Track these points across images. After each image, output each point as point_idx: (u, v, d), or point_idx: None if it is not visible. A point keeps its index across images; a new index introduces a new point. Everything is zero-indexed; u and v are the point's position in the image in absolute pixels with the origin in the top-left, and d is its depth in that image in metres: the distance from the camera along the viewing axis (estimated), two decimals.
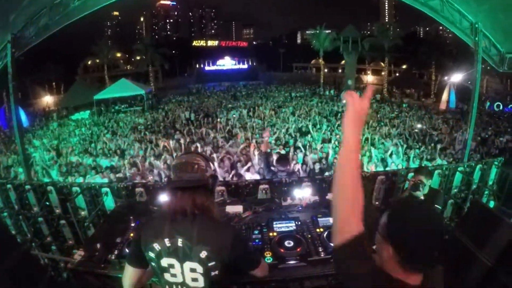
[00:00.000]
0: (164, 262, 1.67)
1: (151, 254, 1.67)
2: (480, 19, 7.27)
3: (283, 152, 9.13)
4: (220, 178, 6.93)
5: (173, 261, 1.66)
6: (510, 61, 7.88)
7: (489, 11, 6.97)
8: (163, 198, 3.15)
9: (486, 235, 2.39)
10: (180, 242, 1.63)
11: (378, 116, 17.53)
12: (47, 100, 32.64)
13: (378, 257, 1.23)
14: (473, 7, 7.25)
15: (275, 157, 5.86)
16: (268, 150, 5.39)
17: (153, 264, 1.71)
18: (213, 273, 1.64)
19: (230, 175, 7.17)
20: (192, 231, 1.62)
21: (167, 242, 1.64)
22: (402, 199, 1.14)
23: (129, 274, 1.81)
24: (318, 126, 13.40)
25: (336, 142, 10.47)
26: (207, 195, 1.72)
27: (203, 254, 1.61)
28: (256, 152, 8.53)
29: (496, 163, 5.90)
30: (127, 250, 2.46)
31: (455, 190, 5.63)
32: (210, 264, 1.62)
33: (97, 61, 39.98)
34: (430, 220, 1.19)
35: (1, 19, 6.13)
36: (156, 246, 1.65)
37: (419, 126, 14.37)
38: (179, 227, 1.64)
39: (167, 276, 1.70)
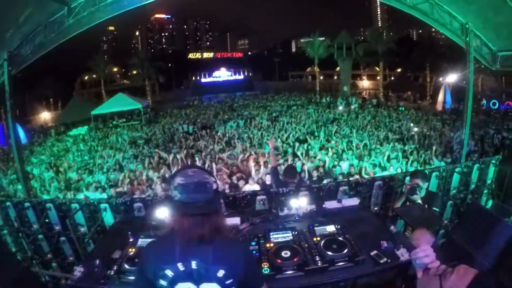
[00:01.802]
0: (180, 287, 1.59)
1: (163, 282, 1.57)
2: (470, 19, 7.37)
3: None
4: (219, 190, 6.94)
5: (189, 285, 1.59)
6: (502, 59, 7.97)
7: (479, 11, 7.06)
8: (161, 213, 3.13)
9: (484, 236, 2.40)
10: (194, 264, 1.56)
11: (375, 120, 17.60)
12: (45, 116, 32.65)
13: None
14: (462, 7, 7.36)
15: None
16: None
17: None
18: None
19: (228, 187, 7.19)
20: (207, 252, 1.57)
21: (180, 266, 1.56)
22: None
23: None
24: (315, 134, 13.45)
25: (333, 149, 10.52)
26: (222, 215, 1.71)
27: (221, 273, 1.57)
28: (253, 164, 8.56)
29: (493, 161, 5.92)
30: (126, 266, 2.45)
31: (454, 191, 5.65)
32: (228, 282, 1.58)
33: (94, 76, 40.18)
34: None
35: None
36: (169, 273, 1.56)
37: (416, 129, 14.42)
38: (193, 250, 1.57)
39: None
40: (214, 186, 1.64)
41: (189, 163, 9.48)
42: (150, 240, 2.41)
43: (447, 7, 7.48)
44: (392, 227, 3.10)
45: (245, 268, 1.63)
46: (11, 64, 6.56)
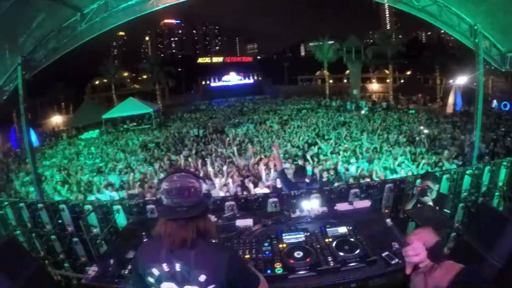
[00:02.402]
0: (164, 286, 1.66)
1: (151, 279, 1.66)
2: (478, 20, 7.31)
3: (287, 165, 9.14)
4: (231, 193, 6.99)
5: (172, 285, 1.65)
6: None
7: (487, 12, 7.01)
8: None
9: (495, 237, 2.38)
10: (178, 267, 1.62)
11: (386, 124, 17.49)
12: (56, 120, 33.15)
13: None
14: (471, 9, 7.31)
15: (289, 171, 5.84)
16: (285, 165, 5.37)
17: None
18: None
19: (240, 190, 7.20)
20: (189, 256, 1.61)
21: (165, 267, 1.63)
22: None
23: None
24: (326, 137, 13.43)
25: (344, 153, 10.48)
26: (207, 219, 1.72)
27: (202, 278, 1.60)
28: (263, 167, 8.58)
29: (505, 163, 5.86)
30: None
31: (465, 193, 5.60)
32: (209, 287, 1.62)
33: (105, 81, 40.73)
34: None
35: (11, 42, 6.35)
36: (155, 271, 1.65)
37: (426, 131, 14.29)
38: (177, 253, 1.62)
39: None
40: (202, 190, 1.67)
41: (200, 166, 9.55)
42: None
43: (455, 9, 7.43)
44: (388, 220, 3.08)
45: (229, 274, 1.63)
46: (25, 69, 6.69)
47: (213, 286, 1.62)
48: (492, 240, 2.38)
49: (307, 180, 4.88)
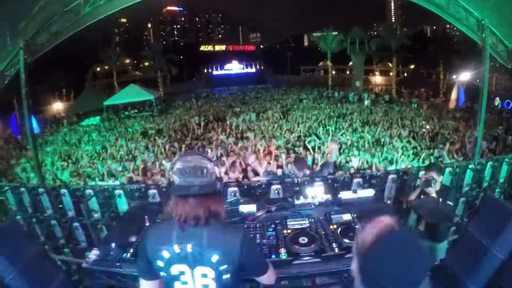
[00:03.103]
0: (175, 269, 1.65)
1: (160, 263, 1.64)
2: (486, 15, 7.22)
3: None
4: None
5: (183, 267, 1.64)
6: None
7: (495, 7, 6.94)
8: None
9: (499, 229, 2.37)
10: (190, 247, 1.61)
11: (388, 117, 17.43)
12: (57, 106, 33.03)
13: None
14: (478, 3, 7.23)
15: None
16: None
17: (162, 273, 1.68)
18: (224, 277, 1.64)
19: (241, 178, 7.17)
20: (202, 235, 1.60)
21: (176, 248, 1.61)
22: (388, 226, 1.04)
23: None
24: (326, 128, 13.37)
25: (345, 144, 10.45)
26: (218, 200, 1.71)
27: (215, 258, 1.60)
28: (264, 156, 8.55)
29: (507, 160, 5.83)
30: None
31: (466, 188, 5.59)
32: (221, 268, 1.61)
33: (106, 67, 40.53)
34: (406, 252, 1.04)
35: (13, 26, 6.27)
36: (165, 253, 1.63)
37: (428, 126, 14.24)
38: (189, 233, 1.61)
39: (177, 284, 1.68)
40: (214, 172, 1.68)
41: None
42: None
43: (463, 2, 7.32)
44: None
45: (242, 254, 1.63)
46: (27, 53, 6.63)
47: (225, 266, 1.61)
48: (496, 232, 2.36)
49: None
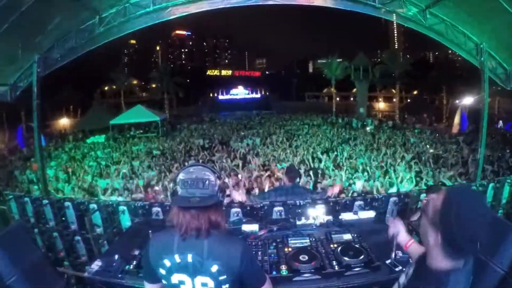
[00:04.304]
0: (175, 278, 1.68)
1: (162, 271, 1.68)
2: (484, 39, 7.40)
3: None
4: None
5: (184, 277, 1.67)
6: None
7: (493, 31, 7.12)
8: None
9: (497, 243, 2.40)
10: (190, 257, 1.64)
11: (391, 142, 17.48)
12: (64, 122, 33.36)
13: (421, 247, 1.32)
14: (476, 28, 7.42)
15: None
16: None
17: (164, 281, 1.72)
18: (224, 287, 1.66)
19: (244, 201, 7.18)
20: (203, 246, 1.64)
21: (177, 257, 1.65)
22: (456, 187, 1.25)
23: None
24: (330, 153, 13.41)
25: (347, 168, 10.46)
26: (219, 211, 1.73)
27: (214, 268, 1.62)
28: (267, 180, 8.56)
29: (509, 181, 5.84)
30: None
31: None
32: (221, 278, 1.64)
33: (114, 87, 41.23)
34: (482, 209, 1.24)
35: (29, 39, 6.50)
36: (167, 262, 1.66)
37: (431, 151, 14.26)
38: (190, 243, 1.64)
39: None
40: (216, 184, 1.71)
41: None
42: None
43: (461, 27, 7.54)
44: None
45: (242, 265, 1.65)
46: (40, 66, 6.83)
47: (224, 277, 1.64)
48: (494, 246, 2.39)
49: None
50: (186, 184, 1.67)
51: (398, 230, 2.13)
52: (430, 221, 1.28)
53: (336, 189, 4.98)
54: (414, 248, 2.02)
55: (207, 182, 1.67)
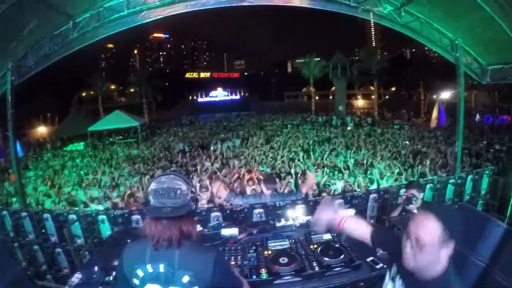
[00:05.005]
0: None
1: (135, 281, 1.66)
2: (459, 35, 7.58)
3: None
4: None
5: (156, 287, 1.66)
6: (492, 72, 8.20)
7: (467, 27, 7.27)
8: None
9: (477, 237, 2.45)
10: (162, 267, 1.63)
11: (371, 139, 17.75)
12: (41, 130, 32.50)
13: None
14: (451, 24, 7.58)
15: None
16: None
17: None
18: None
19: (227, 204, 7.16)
20: (174, 256, 1.63)
21: (149, 267, 1.64)
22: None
23: None
24: (310, 153, 13.51)
25: (328, 168, 10.57)
26: (191, 221, 1.73)
27: (186, 278, 1.62)
28: (248, 182, 8.57)
29: (487, 172, 6.03)
30: None
31: (448, 202, 5.72)
32: None
33: (92, 92, 40.40)
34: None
35: (2, 47, 6.32)
36: (140, 272, 1.65)
37: (410, 146, 14.56)
38: (162, 253, 1.64)
39: None
40: (188, 193, 1.70)
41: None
42: None
43: (436, 24, 7.69)
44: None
45: (215, 275, 1.64)
46: (14, 74, 6.66)
47: (196, 287, 1.63)
48: (474, 240, 2.44)
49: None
50: (157, 194, 1.66)
51: (326, 215, 2.07)
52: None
53: (310, 183, 5.04)
54: (349, 224, 2.04)
55: (178, 191, 1.67)
